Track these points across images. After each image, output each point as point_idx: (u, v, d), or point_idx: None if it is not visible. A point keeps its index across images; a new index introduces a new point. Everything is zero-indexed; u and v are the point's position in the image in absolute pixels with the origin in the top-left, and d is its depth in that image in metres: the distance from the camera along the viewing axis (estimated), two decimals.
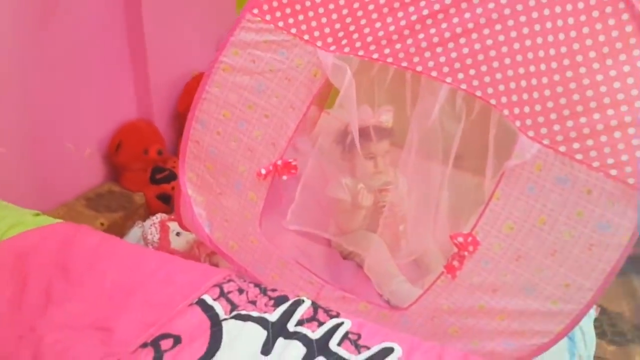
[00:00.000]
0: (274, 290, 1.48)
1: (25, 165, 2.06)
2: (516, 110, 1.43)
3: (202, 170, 1.78)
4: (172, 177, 2.43)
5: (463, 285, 1.56)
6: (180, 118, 2.59)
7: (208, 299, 1.40)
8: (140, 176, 2.41)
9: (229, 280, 1.48)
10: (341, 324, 1.35)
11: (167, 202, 2.40)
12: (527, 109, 1.42)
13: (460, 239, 1.52)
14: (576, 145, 1.38)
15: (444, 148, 1.82)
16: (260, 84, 1.66)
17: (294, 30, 1.61)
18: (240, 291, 1.46)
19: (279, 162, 1.69)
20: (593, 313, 2.07)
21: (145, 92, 2.45)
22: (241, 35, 1.65)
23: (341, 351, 1.27)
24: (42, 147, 2.10)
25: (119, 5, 2.28)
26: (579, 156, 1.38)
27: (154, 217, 2.15)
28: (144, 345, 1.26)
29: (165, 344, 1.27)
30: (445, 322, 1.62)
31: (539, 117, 1.41)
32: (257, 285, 1.49)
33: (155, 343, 1.27)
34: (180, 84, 2.56)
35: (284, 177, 1.71)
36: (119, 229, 2.21)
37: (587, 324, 1.98)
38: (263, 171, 1.70)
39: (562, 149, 1.39)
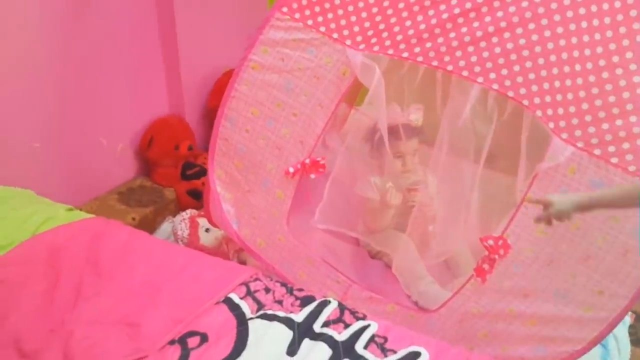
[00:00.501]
0: (300, 290, 1.48)
1: (59, 159, 2.10)
2: (549, 112, 1.40)
3: (231, 167, 1.79)
4: (203, 172, 2.45)
5: (493, 289, 1.53)
6: (210, 114, 2.60)
7: (235, 297, 1.40)
8: (171, 172, 2.43)
9: (256, 279, 1.49)
10: (367, 326, 1.34)
11: (198, 198, 2.42)
12: (560, 111, 1.39)
13: (491, 242, 1.49)
14: (612, 149, 1.34)
15: (475, 148, 1.78)
16: (289, 82, 1.66)
17: (322, 29, 1.60)
18: (267, 290, 1.46)
19: (307, 161, 1.69)
20: (628, 320, 2.01)
21: (177, 88, 2.47)
22: (270, 34, 1.65)
23: (367, 354, 1.26)
24: (75, 142, 2.14)
25: (151, 2, 2.30)
26: (614, 159, 1.34)
27: (183, 213, 2.17)
28: (172, 342, 1.27)
29: (192, 341, 1.28)
30: (474, 325, 1.59)
31: (573, 119, 1.37)
32: (283, 284, 1.49)
33: (182, 340, 1.28)
34: (211, 80, 2.57)
35: (312, 176, 1.71)
36: (149, 224, 2.24)
37: (621, 331, 1.92)
38: (291, 170, 1.70)
39: (597, 152, 1.35)
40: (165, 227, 2.28)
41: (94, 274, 1.46)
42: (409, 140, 1.95)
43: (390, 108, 1.88)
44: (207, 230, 2.11)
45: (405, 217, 2.02)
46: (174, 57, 2.39)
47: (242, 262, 2.08)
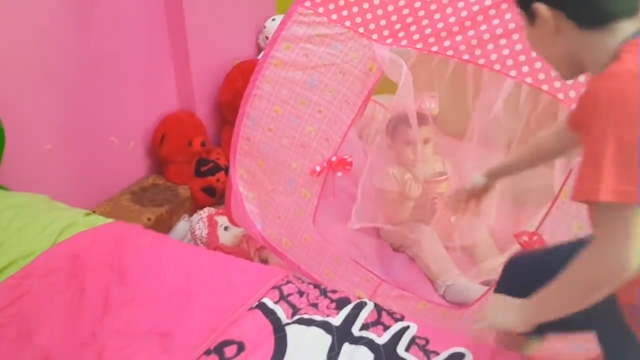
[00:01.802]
0: (334, 291, 1.43)
1: (71, 160, 2.05)
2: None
3: (254, 167, 1.74)
4: (217, 169, 2.39)
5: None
6: (221, 108, 2.55)
7: (269, 302, 1.36)
8: (184, 169, 2.38)
9: (287, 282, 1.44)
10: (407, 328, 1.30)
11: (213, 195, 2.36)
12: None
13: (525, 238, 1.44)
14: None
15: (506, 140, 1.74)
16: (313, 78, 1.60)
17: (348, 23, 1.55)
18: (301, 293, 1.41)
19: (334, 159, 1.64)
20: None
21: (187, 83, 2.41)
22: (293, 29, 1.59)
23: (410, 357, 1.22)
24: (86, 142, 2.09)
25: (159, 9, 2.24)
26: None
27: (201, 212, 2.12)
28: (208, 352, 1.23)
29: (229, 351, 1.23)
30: None
31: None
32: (316, 286, 1.44)
33: (219, 350, 1.23)
34: (221, 73, 2.51)
35: (339, 174, 1.66)
36: (165, 224, 2.18)
37: None
38: (318, 168, 1.64)
39: None
40: (181, 226, 2.22)
41: (120, 282, 1.41)
42: (420, 128, 1.90)
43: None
44: (225, 228, 2.06)
45: (425, 209, 1.99)
46: (183, 51, 2.32)
47: (264, 261, 2.04)
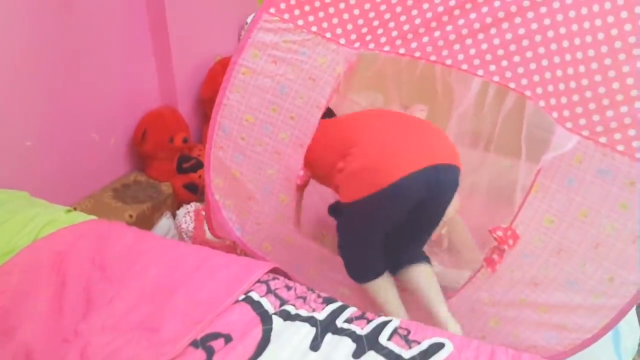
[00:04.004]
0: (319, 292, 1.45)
1: (51, 157, 2.02)
2: (552, 101, 1.38)
3: (229, 176, 1.74)
4: (199, 165, 2.38)
5: (503, 279, 1.53)
6: (204, 104, 2.53)
7: (255, 295, 1.36)
8: (166, 165, 2.36)
9: (274, 278, 1.44)
10: (389, 320, 1.32)
11: (195, 192, 2.35)
12: (564, 100, 1.36)
13: (500, 233, 1.48)
14: (617, 136, 1.32)
15: (477, 136, 1.77)
16: (283, 85, 1.61)
17: (314, 29, 1.54)
18: (288, 288, 1.42)
19: (301, 173, 1.67)
20: None
21: (169, 79, 2.39)
22: (259, 36, 1.58)
23: (391, 345, 1.24)
24: (67, 138, 2.06)
25: (140, 3, 2.21)
26: (620, 147, 1.32)
27: (188, 206, 2.10)
28: (194, 344, 1.22)
29: (217, 344, 1.23)
30: (485, 313, 1.59)
31: (577, 108, 1.35)
32: (302, 284, 1.45)
33: (205, 342, 1.23)
34: (203, 69, 2.50)
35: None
36: (147, 221, 2.17)
37: (630, 312, 1.93)
38: (298, 182, 1.68)
39: (602, 140, 1.33)
40: (164, 222, 2.21)
41: (103, 278, 1.39)
42: None
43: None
44: None
45: None
46: (165, 47, 2.30)
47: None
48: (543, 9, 1.35)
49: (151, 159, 2.35)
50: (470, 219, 2.07)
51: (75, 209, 1.79)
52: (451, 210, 2.01)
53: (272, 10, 1.55)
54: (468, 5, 1.41)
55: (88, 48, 2.05)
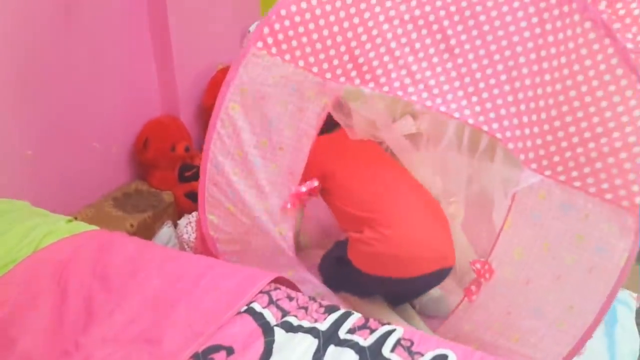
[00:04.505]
0: (322, 299, 1.43)
1: (52, 166, 2.02)
2: (520, 145, 1.46)
3: (224, 211, 1.75)
4: None
5: (481, 308, 1.59)
6: (206, 113, 2.52)
7: (257, 306, 1.35)
8: (168, 174, 2.35)
9: (276, 288, 1.43)
10: (393, 330, 1.31)
11: (196, 200, 2.32)
12: (529, 143, 1.45)
13: (478, 266, 1.56)
14: (574, 174, 1.41)
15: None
16: (272, 119, 1.62)
17: (301, 63, 1.55)
18: (290, 298, 1.41)
19: (303, 189, 1.69)
20: (634, 305, 2.04)
21: (171, 87, 2.38)
22: (247, 71, 1.58)
23: (395, 357, 1.23)
24: (68, 147, 2.06)
25: (141, 1, 2.21)
26: (577, 183, 1.42)
27: (189, 216, 2.09)
28: (196, 357, 1.21)
29: (218, 356, 1.22)
30: (466, 342, 1.57)
31: (540, 150, 1.44)
32: (304, 293, 1.43)
33: (207, 356, 1.21)
34: (205, 77, 2.49)
35: (310, 198, 1.74)
36: (148, 230, 2.16)
37: (628, 319, 1.94)
38: (289, 205, 1.69)
39: (561, 178, 1.43)
40: (165, 231, 2.20)
41: (104, 289, 1.38)
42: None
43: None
44: None
45: None
46: (167, 54, 2.30)
47: None
48: (511, 63, 1.43)
49: (152, 167, 2.34)
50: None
51: (76, 218, 1.78)
52: (457, 226, 2.03)
53: (259, 44, 1.56)
54: (445, 55, 1.48)
55: (88, 56, 2.04)
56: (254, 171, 1.67)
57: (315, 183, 1.73)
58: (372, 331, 1.30)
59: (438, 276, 1.76)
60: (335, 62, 1.54)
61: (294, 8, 1.51)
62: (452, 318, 1.65)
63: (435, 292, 1.93)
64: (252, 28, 2.68)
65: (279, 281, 1.52)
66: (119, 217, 2.12)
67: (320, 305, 1.39)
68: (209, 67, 2.51)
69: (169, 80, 2.37)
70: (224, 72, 2.49)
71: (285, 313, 1.34)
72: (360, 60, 1.52)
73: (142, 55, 2.28)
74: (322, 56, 1.54)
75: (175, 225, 2.24)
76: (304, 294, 1.56)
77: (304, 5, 1.52)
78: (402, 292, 1.88)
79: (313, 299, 1.43)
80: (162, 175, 2.34)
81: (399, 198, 1.77)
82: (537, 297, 1.52)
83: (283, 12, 1.52)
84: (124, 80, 2.23)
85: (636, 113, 1.33)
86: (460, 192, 1.93)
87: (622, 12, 1.46)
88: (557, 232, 1.46)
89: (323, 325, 1.30)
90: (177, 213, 2.30)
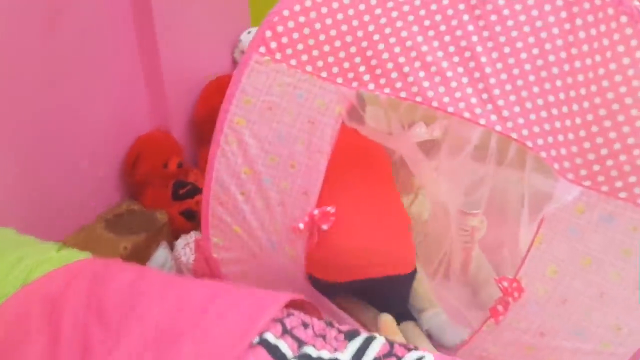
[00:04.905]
0: (340, 323, 1.32)
1: (39, 189, 1.89)
2: (553, 153, 1.35)
3: (230, 233, 1.64)
4: (195, 191, 2.25)
5: (509, 329, 1.47)
6: (198, 127, 2.41)
7: (271, 337, 1.23)
8: (161, 192, 2.23)
9: (289, 314, 1.32)
10: (422, 358, 1.20)
11: (192, 219, 2.22)
12: (563, 151, 1.34)
13: (505, 284, 1.44)
14: (619, 184, 1.30)
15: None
16: (281, 132, 1.50)
17: (309, 68, 1.44)
18: (305, 325, 1.29)
19: (316, 212, 1.56)
20: None
21: (160, 101, 2.26)
22: (251, 80, 1.47)
23: None
24: (54, 168, 1.93)
25: (127, 11, 2.08)
26: (622, 194, 1.30)
27: (187, 237, 1.98)
28: None
29: None
30: None
31: (577, 159, 1.32)
32: (320, 318, 1.32)
33: None
34: (196, 89, 2.38)
35: (324, 227, 1.59)
36: (143, 252, 2.03)
37: None
38: (301, 225, 1.56)
39: (604, 188, 1.31)
40: (160, 253, 2.08)
41: (101, 326, 1.25)
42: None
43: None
44: None
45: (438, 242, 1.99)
46: (155, 68, 2.18)
47: None
48: (540, 62, 1.32)
49: (144, 186, 2.22)
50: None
51: (65, 243, 1.66)
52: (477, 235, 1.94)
53: (262, 49, 1.45)
54: (467, 54, 1.37)
55: (73, 72, 1.92)
56: (263, 190, 1.55)
57: (330, 209, 1.59)
58: (399, 359, 1.19)
59: (393, 282, 1.73)
60: (346, 65, 1.42)
61: (297, 7, 1.40)
62: (476, 338, 1.53)
63: (441, 317, 1.82)
64: (242, 37, 2.59)
65: (291, 304, 1.41)
66: (111, 240, 2.00)
67: (339, 332, 1.28)
68: (199, 78, 2.40)
69: (159, 93, 2.25)
70: (215, 83, 2.39)
71: (302, 343, 1.23)
72: (374, 62, 1.40)
73: (130, 69, 2.16)
74: (331, 59, 1.42)
75: (172, 247, 2.12)
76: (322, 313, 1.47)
77: (308, 3, 1.41)
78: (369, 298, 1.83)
79: (330, 323, 1.32)
80: (155, 193, 2.22)
81: (340, 202, 1.65)
82: (576, 317, 1.40)
83: (286, 13, 1.41)
84: (112, 95, 2.10)
85: None
86: (482, 204, 1.84)
87: None
88: (599, 247, 1.34)
89: (345, 355, 1.19)
90: (173, 233, 2.18)
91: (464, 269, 1.98)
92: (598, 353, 1.41)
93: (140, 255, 2.00)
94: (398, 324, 1.77)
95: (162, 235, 2.13)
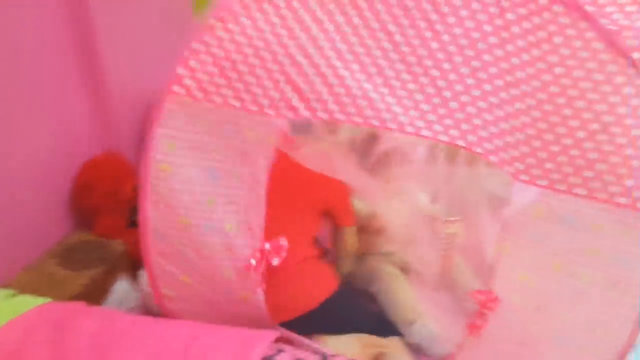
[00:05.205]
0: (333, 355, 1.24)
1: None
2: (503, 155, 1.32)
3: (179, 283, 1.53)
4: None
5: (490, 341, 1.45)
6: None
7: None
8: (115, 220, 2.06)
9: (279, 351, 1.21)
10: None
11: None
12: (515, 153, 1.30)
13: (482, 297, 1.42)
14: (575, 180, 1.26)
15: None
16: (213, 171, 1.41)
17: (236, 103, 1.34)
18: None
19: (267, 246, 1.49)
20: None
21: (108, 121, 2.10)
22: (170, 123, 1.36)
23: None
24: None
25: (66, 27, 1.91)
26: (580, 190, 1.26)
27: None
28: None
29: None
30: None
31: (529, 159, 1.29)
32: (316, 351, 1.23)
33: None
34: (146, 104, 2.20)
35: (275, 261, 1.51)
36: (101, 287, 1.87)
37: None
38: (253, 261, 1.47)
39: (561, 187, 1.28)
40: (120, 287, 1.92)
41: None
42: None
43: None
44: None
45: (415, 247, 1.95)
46: (101, 87, 2.03)
47: None
48: (475, 63, 1.27)
49: (97, 214, 2.05)
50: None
51: (14, 286, 1.49)
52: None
53: (178, 89, 1.33)
54: (400, 65, 1.31)
55: (7, 96, 1.73)
56: (205, 235, 1.45)
57: (283, 242, 1.52)
58: None
59: (330, 303, 1.67)
60: (276, 94, 1.32)
61: (210, 39, 1.28)
62: (459, 353, 1.50)
63: (426, 329, 1.77)
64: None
65: (281, 339, 1.30)
66: (65, 278, 1.82)
67: None
68: (148, 93, 2.23)
69: (105, 112, 2.09)
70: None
71: None
72: (305, 88, 1.32)
73: (73, 92, 1.99)
74: (258, 90, 1.32)
75: (132, 277, 1.96)
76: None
77: (222, 33, 1.28)
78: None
79: (324, 356, 1.22)
80: (109, 221, 2.06)
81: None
82: (554, 323, 1.37)
83: (197, 47, 1.29)
84: (52, 118, 1.92)
85: (634, 102, 1.17)
86: (458, 209, 1.81)
87: None
88: (566, 249, 1.31)
89: None
90: (132, 263, 2.02)
91: (445, 277, 1.94)
92: (580, 358, 1.38)
93: (99, 291, 1.85)
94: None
95: (121, 266, 1.98)
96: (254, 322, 1.55)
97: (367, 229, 1.99)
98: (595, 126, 1.20)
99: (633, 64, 1.16)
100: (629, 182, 1.21)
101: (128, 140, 2.20)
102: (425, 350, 1.75)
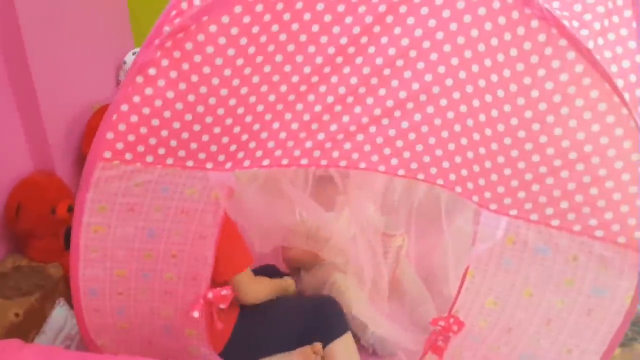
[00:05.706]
0: None
1: None
2: (470, 185, 1.27)
3: (116, 331, 1.51)
4: None
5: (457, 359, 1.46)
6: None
7: None
8: (51, 242, 1.96)
9: None
10: None
11: None
12: (482, 182, 1.25)
13: (442, 323, 1.40)
14: (549, 211, 1.21)
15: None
16: (151, 229, 1.38)
17: (170, 161, 1.30)
18: None
19: (210, 295, 1.48)
20: None
21: (40, 137, 1.98)
22: (100, 188, 1.31)
23: None
24: None
25: None
26: (555, 222, 1.22)
27: None
28: None
29: None
30: None
31: (499, 187, 1.24)
32: None
33: None
34: (81, 121, 2.12)
35: (222, 306, 1.51)
36: (38, 315, 1.77)
37: None
38: (195, 314, 1.46)
39: (533, 217, 1.24)
40: (58, 313, 1.82)
41: None
42: None
43: None
44: None
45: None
46: (31, 100, 1.91)
47: None
48: (436, 89, 1.21)
49: (30, 237, 1.94)
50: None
51: None
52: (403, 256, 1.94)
53: (107, 154, 1.27)
54: (350, 99, 1.25)
55: None
56: (146, 282, 1.43)
57: (225, 292, 1.51)
58: None
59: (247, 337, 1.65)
60: (214, 147, 1.28)
61: (137, 99, 1.20)
62: None
63: (379, 332, 1.80)
64: (127, 59, 2.37)
65: None
66: None
67: None
68: (83, 108, 2.15)
69: (37, 129, 1.97)
70: (102, 112, 2.13)
71: None
72: (244, 137, 1.28)
73: (1, 106, 1.86)
74: (194, 146, 1.27)
75: (71, 302, 1.86)
76: None
77: (149, 91, 1.19)
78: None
79: None
80: (44, 244, 1.95)
81: None
82: (524, 344, 1.36)
83: (125, 108, 1.21)
84: None
85: (618, 132, 1.08)
86: (401, 224, 1.83)
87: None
88: (539, 277, 1.28)
89: None
90: (70, 288, 1.91)
91: (394, 288, 1.95)
92: None
93: (35, 320, 1.75)
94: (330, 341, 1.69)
95: (58, 291, 1.88)
96: (205, 354, 1.56)
97: (315, 237, 1.97)
98: (572, 156, 1.13)
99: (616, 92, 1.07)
100: (608, 215, 1.17)
101: (62, 158, 2.09)
102: (379, 353, 1.78)
